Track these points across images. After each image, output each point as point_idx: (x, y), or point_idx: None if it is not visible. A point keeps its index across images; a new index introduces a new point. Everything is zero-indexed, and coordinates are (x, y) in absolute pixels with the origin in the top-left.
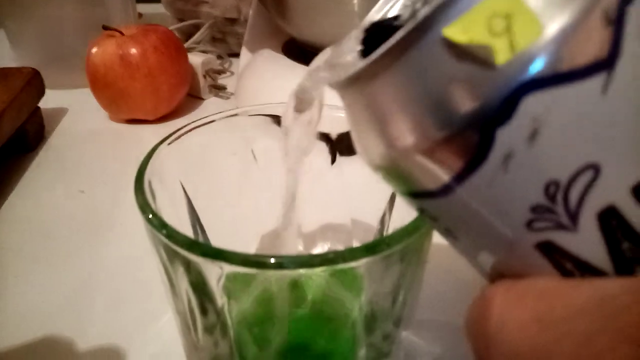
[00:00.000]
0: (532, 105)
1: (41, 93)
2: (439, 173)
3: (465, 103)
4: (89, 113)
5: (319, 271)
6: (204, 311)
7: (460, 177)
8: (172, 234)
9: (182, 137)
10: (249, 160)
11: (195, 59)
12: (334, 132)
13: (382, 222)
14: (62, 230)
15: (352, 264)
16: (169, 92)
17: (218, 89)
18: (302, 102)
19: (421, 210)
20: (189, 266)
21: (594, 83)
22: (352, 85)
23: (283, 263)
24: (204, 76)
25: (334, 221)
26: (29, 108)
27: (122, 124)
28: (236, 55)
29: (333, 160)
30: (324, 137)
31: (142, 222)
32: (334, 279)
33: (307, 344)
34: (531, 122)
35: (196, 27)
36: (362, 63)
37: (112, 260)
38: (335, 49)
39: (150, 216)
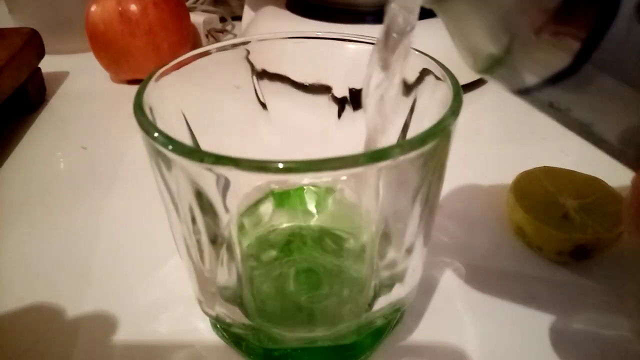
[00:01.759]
0: None
1: (41, 53)
2: (573, 38)
3: None
4: (90, 75)
5: (332, 175)
6: (211, 235)
7: (595, 37)
8: (178, 147)
9: (183, 66)
10: (252, 94)
11: (197, 18)
12: (340, 88)
13: None
14: (65, 184)
15: (371, 166)
16: (170, 50)
17: None
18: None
19: (551, 104)
20: (196, 183)
21: None
22: None
23: (292, 168)
24: (206, 36)
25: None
26: (29, 67)
27: (124, 84)
28: (238, 18)
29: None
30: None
31: (143, 175)
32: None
33: (318, 273)
34: None
35: None
36: None
37: (115, 212)
38: None
39: (156, 134)
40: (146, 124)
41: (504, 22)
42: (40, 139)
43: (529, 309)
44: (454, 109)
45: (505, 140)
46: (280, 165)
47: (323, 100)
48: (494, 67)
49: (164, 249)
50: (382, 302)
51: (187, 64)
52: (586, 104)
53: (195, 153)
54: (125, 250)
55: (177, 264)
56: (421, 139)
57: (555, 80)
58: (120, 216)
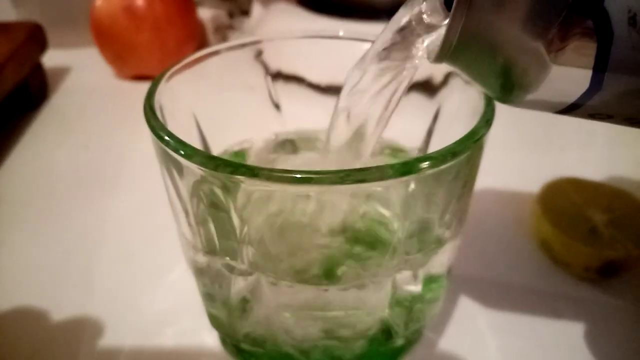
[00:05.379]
0: None
1: (43, 48)
2: (584, 53)
3: None
4: (93, 71)
5: (357, 189)
6: (222, 239)
7: (602, 59)
8: (190, 153)
9: (194, 65)
10: (265, 94)
11: (204, 13)
12: None
13: None
14: (67, 185)
15: (398, 179)
16: (176, 46)
17: None
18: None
19: (592, 116)
20: (207, 188)
21: None
22: (476, 35)
23: (311, 178)
24: (213, 32)
25: None
26: (31, 62)
27: (128, 81)
28: (247, 13)
29: None
30: None
31: (148, 175)
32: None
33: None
34: None
35: None
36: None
37: (118, 214)
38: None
39: (166, 137)
40: (157, 127)
41: (514, 56)
42: (41, 137)
43: (552, 326)
44: (488, 118)
45: (523, 148)
46: (298, 176)
47: None
48: (519, 97)
49: (171, 254)
50: (402, 321)
51: (198, 63)
52: (625, 108)
53: (208, 160)
54: (130, 254)
55: (185, 270)
56: (453, 151)
57: (583, 97)
58: (124, 218)
